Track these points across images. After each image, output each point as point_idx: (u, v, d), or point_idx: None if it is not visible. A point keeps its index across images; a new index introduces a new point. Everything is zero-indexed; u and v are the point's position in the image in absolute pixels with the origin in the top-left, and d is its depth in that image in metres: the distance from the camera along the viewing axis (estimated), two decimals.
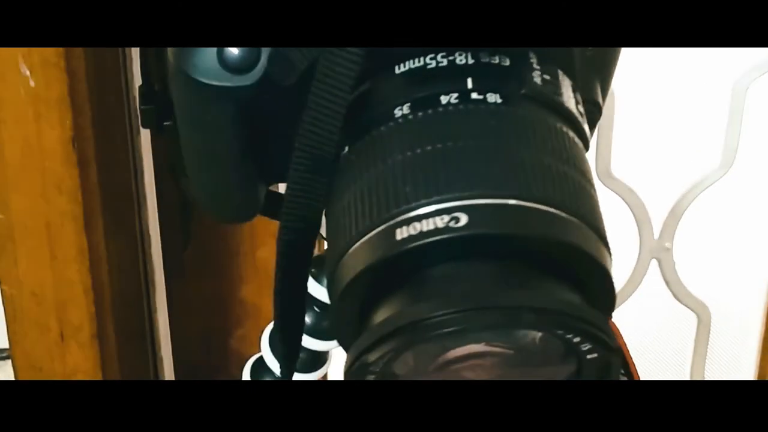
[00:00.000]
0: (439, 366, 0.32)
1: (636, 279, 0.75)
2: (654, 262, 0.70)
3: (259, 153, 0.41)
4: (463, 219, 0.31)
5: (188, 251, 0.74)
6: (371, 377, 0.31)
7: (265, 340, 0.55)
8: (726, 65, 0.67)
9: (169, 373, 0.74)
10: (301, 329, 0.40)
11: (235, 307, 0.76)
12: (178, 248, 0.73)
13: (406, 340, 0.30)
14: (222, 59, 0.36)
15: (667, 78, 0.70)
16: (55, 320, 0.62)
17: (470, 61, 0.35)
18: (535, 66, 0.36)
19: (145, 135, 0.68)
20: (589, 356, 0.31)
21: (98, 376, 0.63)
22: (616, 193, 0.74)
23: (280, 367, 0.41)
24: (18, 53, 0.58)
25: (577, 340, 0.31)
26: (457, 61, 0.35)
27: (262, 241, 0.74)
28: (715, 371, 0.77)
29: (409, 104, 0.34)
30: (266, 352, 0.54)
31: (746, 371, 0.81)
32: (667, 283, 0.68)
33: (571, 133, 0.35)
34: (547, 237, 0.31)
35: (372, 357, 0.30)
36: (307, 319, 0.54)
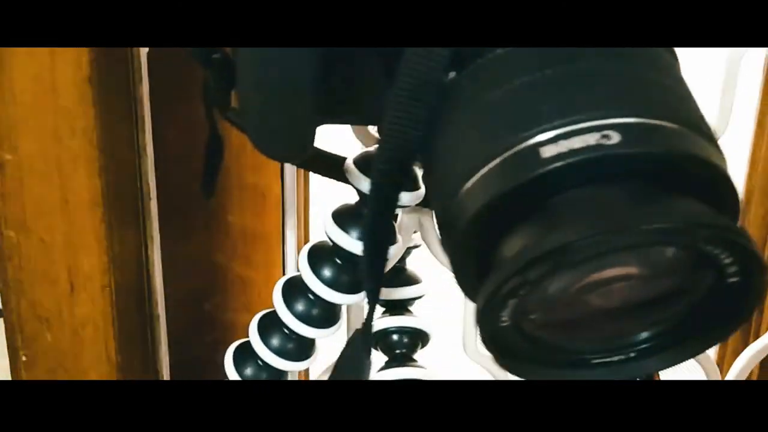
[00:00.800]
0: (575, 292, 0.31)
1: None
2: None
3: (331, 85, 0.39)
4: (615, 137, 0.29)
5: (181, 214, 0.71)
6: (512, 301, 0.30)
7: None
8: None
9: (163, 336, 0.71)
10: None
11: (220, 272, 0.74)
12: (172, 207, 0.70)
13: (569, 261, 0.29)
14: None
15: None
16: (65, 269, 0.59)
17: None
18: None
19: (145, 85, 0.65)
20: (731, 279, 0.31)
21: (108, 330, 0.60)
22: None
23: (367, 296, 0.39)
24: None
25: (729, 260, 0.30)
26: None
27: (249, 209, 0.72)
28: None
29: None
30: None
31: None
32: None
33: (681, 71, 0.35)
34: (697, 156, 0.30)
35: (532, 275, 0.29)
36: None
